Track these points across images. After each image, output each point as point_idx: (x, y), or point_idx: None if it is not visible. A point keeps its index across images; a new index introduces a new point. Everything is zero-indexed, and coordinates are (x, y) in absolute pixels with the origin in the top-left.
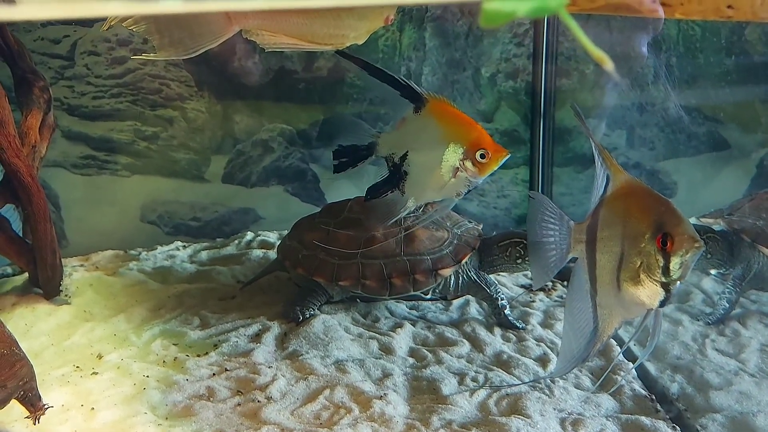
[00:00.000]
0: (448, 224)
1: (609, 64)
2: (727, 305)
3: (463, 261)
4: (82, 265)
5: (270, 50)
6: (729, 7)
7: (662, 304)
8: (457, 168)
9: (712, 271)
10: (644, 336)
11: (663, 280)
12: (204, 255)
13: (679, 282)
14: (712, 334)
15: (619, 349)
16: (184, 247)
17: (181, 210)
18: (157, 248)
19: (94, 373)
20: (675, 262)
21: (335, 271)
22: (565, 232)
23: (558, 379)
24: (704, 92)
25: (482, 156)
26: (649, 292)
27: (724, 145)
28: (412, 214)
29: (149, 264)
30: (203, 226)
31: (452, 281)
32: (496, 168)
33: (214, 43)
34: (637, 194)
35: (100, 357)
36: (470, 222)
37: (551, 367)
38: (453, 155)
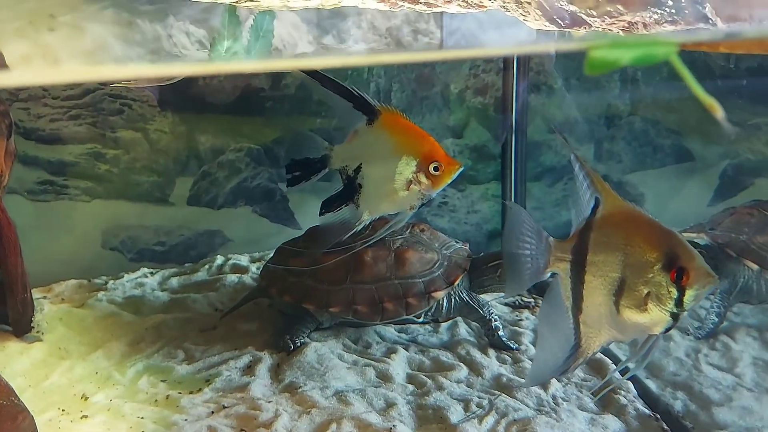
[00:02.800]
0: (436, 245)
1: (720, 113)
2: (716, 319)
3: (456, 283)
4: (45, 297)
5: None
6: None
7: (666, 330)
8: (411, 181)
9: None
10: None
11: (674, 310)
12: (174, 282)
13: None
14: (704, 349)
15: (615, 367)
16: (152, 273)
17: (145, 235)
18: (123, 276)
19: (83, 416)
20: (689, 295)
21: (325, 298)
22: (543, 247)
23: (563, 402)
24: (670, 107)
25: (435, 169)
26: (655, 320)
27: (688, 157)
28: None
29: (118, 294)
30: (168, 250)
31: (445, 304)
32: (449, 181)
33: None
34: (639, 222)
35: (85, 398)
36: (457, 242)
37: (552, 389)
38: (406, 168)
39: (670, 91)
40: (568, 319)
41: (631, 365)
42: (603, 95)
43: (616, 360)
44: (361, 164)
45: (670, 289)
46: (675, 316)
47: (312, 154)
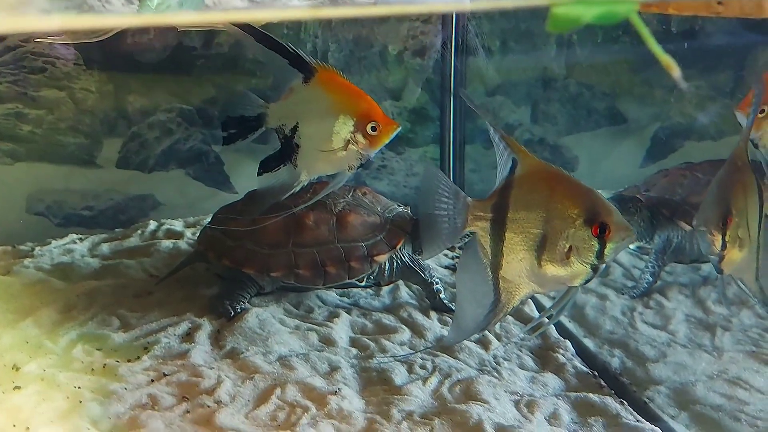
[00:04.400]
0: (378, 209)
1: (676, 71)
2: (651, 278)
3: (398, 246)
4: None
5: (183, 29)
6: (719, 3)
7: (585, 282)
8: (348, 141)
9: (632, 245)
10: (575, 311)
11: (595, 263)
12: (105, 248)
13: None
14: (638, 307)
15: (539, 314)
16: (81, 239)
17: (72, 199)
18: (51, 242)
19: (16, 387)
20: (610, 248)
21: (266, 262)
22: (461, 207)
23: (504, 361)
24: (604, 70)
25: (373, 129)
26: (576, 272)
27: (621, 119)
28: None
29: (46, 260)
30: (97, 215)
31: (387, 267)
32: (387, 141)
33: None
34: (559, 180)
35: (17, 368)
36: (399, 206)
37: (492, 349)
38: (343, 128)
39: (604, 55)
40: (487, 275)
41: (570, 323)
42: (539, 58)
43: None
44: (297, 123)
45: (591, 243)
46: (595, 269)
47: (247, 112)
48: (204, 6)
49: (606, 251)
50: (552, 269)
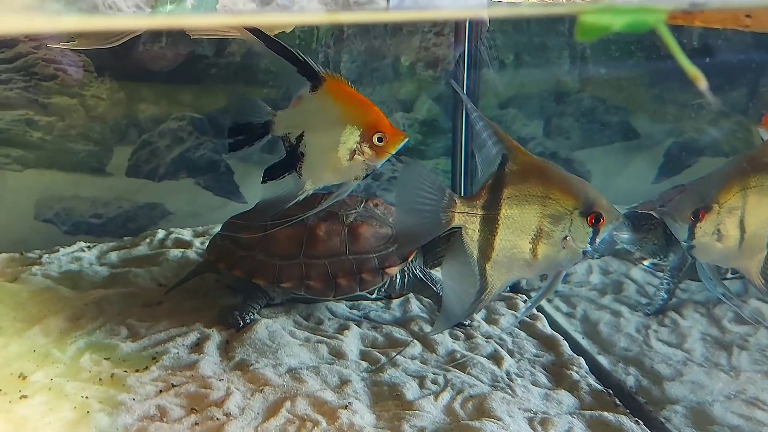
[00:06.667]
0: (390, 220)
1: (703, 83)
2: (666, 296)
3: (410, 258)
4: None
5: (196, 37)
6: (747, 16)
7: (575, 264)
8: (354, 151)
9: (646, 262)
10: (588, 328)
11: (588, 248)
12: (114, 256)
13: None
14: (653, 325)
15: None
16: (89, 247)
17: (81, 206)
18: (59, 250)
19: (22, 396)
20: (602, 233)
21: (277, 273)
22: (447, 204)
23: (517, 377)
24: (617, 85)
25: (379, 139)
26: (570, 258)
27: (634, 134)
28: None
29: (54, 268)
30: (106, 223)
31: (398, 280)
32: (394, 152)
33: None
34: (552, 174)
35: (23, 377)
36: None
37: (505, 365)
38: (350, 137)
39: (617, 70)
40: (473, 266)
41: (583, 339)
42: (552, 72)
43: (568, 338)
44: (303, 132)
45: (587, 231)
46: (585, 252)
47: (254, 119)
48: (216, 9)
49: (598, 237)
50: (546, 258)
